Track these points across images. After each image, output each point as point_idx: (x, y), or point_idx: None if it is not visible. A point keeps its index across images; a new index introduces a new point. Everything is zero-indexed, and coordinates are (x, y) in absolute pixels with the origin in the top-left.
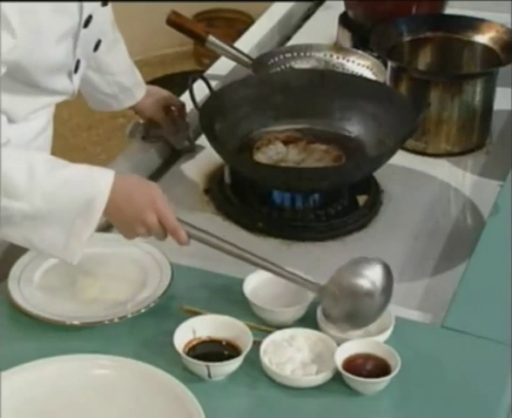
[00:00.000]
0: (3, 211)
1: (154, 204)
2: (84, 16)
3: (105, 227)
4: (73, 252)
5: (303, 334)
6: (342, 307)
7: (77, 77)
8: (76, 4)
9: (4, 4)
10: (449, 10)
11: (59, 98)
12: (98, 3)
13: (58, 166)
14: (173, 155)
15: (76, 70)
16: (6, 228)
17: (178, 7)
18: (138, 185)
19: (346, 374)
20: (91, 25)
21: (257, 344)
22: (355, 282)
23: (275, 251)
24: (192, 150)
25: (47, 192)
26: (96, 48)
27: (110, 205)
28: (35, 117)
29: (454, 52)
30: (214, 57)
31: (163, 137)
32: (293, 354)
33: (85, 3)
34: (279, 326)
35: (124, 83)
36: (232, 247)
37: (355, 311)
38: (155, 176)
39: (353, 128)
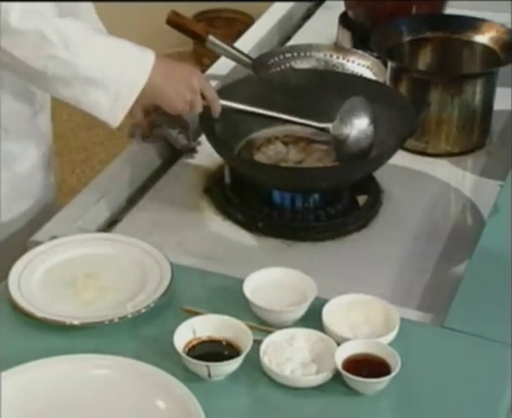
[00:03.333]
0: (59, 64)
1: (195, 73)
2: None
3: (105, 227)
4: (116, 116)
5: (303, 334)
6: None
7: None
8: None
9: None
10: (449, 10)
11: None
12: None
13: (109, 36)
14: (173, 155)
15: None
16: (57, 84)
17: (178, 7)
18: (175, 62)
19: (346, 374)
20: None
21: (257, 344)
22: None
23: (275, 251)
24: (192, 149)
25: (100, 56)
26: None
27: (155, 77)
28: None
29: (454, 52)
30: (214, 57)
31: (164, 136)
32: (293, 354)
33: None
34: (279, 326)
35: None
36: (260, 109)
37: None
38: (155, 176)
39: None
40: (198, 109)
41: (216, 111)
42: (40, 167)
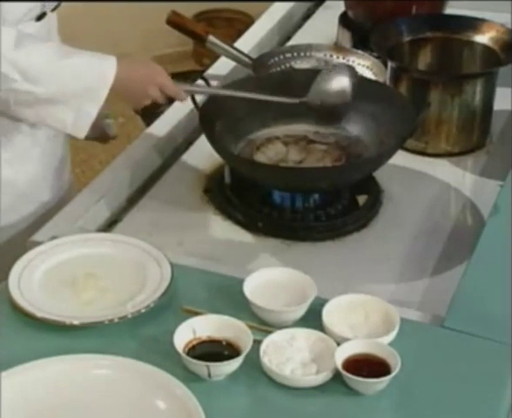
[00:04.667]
0: (20, 94)
1: (154, 78)
2: None
3: (105, 227)
4: (82, 129)
5: (303, 334)
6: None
7: None
8: None
9: None
10: (449, 10)
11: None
12: None
13: (67, 53)
14: (173, 155)
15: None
16: (20, 108)
17: (178, 7)
18: (135, 67)
19: (346, 374)
20: None
21: (257, 344)
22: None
23: (275, 251)
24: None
25: (59, 78)
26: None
27: (114, 85)
28: None
29: (454, 52)
30: (214, 57)
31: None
32: (293, 354)
33: None
34: (279, 326)
35: None
36: (224, 89)
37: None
38: (155, 176)
39: (353, 128)
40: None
41: (182, 99)
42: (49, 171)
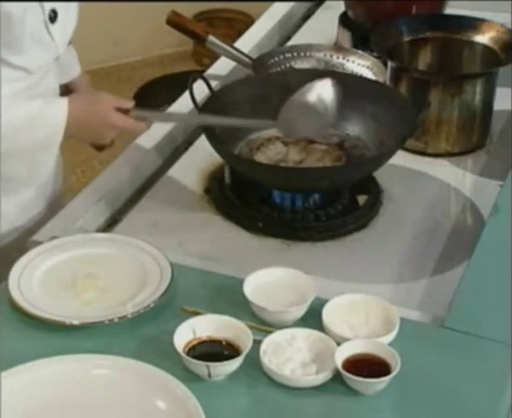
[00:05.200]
0: None
1: (108, 121)
2: None
3: (105, 227)
4: (37, 179)
5: (303, 334)
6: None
7: (57, 29)
8: None
9: None
10: (449, 10)
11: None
12: None
13: (16, 104)
14: (173, 155)
15: (53, 19)
16: None
17: (178, 7)
18: (88, 109)
19: (346, 374)
20: None
21: (257, 344)
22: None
23: (275, 251)
24: None
25: (7, 132)
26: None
27: (68, 131)
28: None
29: (454, 52)
30: (214, 57)
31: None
32: (293, 354)
33: None
34: (279, 327)
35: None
36: (182, 115)
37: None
38: (155, 176)
39: (353, 128)
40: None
41: (143, 130)
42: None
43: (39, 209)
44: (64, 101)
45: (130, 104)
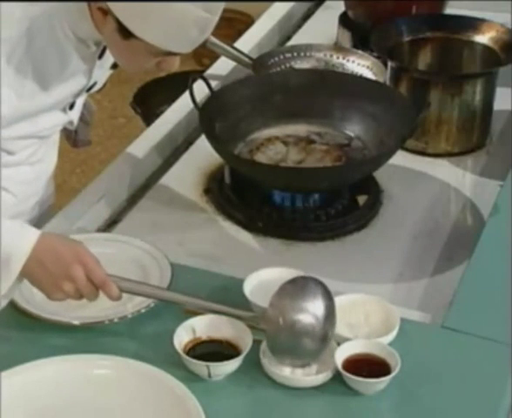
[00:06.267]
0: None
1: (80, 257)
2: (90, 84)
3: (105, 227)
4: None
5: None
6: (285, 340)
7: (74, 112)
8: (85, 76)
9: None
10: (449, 10)
11: (54, 130)
12: (107, 70)
13: None
14: (173, 155)
15: (71, 107)
16: None
17: None
18: (62, 241)
19: (346, 374)
20: (94, 88)
21: (257, 344)
22: (298, 319)
23: (275, 251)
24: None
25: None
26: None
27: (31, 262)
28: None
29: (454, 52)
30: (214, 57)
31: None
32: None
33: (95, 71)
34: None
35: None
36: (169, 293)
37: (298, 347)
38: (155, 176)
39: (353, 128)
40: (88, 297)
41: (112, 297)
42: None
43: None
44: (36, 233)
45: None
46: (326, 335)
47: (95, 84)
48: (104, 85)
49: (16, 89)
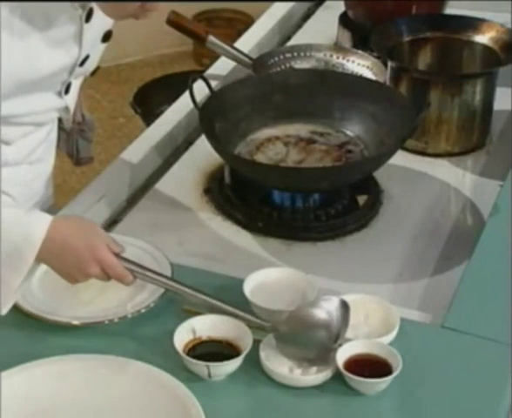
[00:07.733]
0: None
1: (95, 254)
2: (82, 56)
3: (105, 227)
4: (2, 299)
5: None
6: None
7: (69, 97)
8: (75, 44)
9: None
10: (449, 10)
11: (49, 116)
12: (98, 42)
13: None
14: (173, 155)
15: (66, 90)
16: None
17: (178, 7)
18: (74, 233)
19: (347, 374)
20: (87, 63)
21: (257, 344)
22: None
23: (275, 251)
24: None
25: None
26: (93, 74)
27: (44, 253)
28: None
29: (454, 52)
30: (214, 57)
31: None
32: None
33: (84, 43)
34: None
35: None
36: (179, 285)
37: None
38: (155, 176)
39: (353, 128)
40: (105, 281)
41: (127, 284)
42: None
43: None
44: (47, 219)
45: (121, 249)
46: (338, 335)
47: (88, 57)
48: (99, 68)
49: (7, 28)
